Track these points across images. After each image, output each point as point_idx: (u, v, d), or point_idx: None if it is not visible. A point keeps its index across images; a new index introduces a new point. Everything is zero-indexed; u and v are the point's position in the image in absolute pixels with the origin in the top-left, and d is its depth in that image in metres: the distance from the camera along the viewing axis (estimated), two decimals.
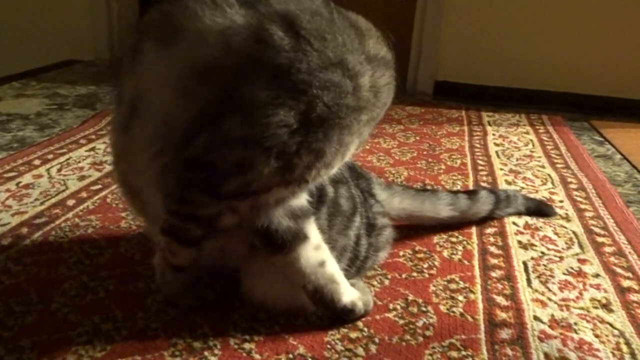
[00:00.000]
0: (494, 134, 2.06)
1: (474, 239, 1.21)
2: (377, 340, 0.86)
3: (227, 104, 0.69)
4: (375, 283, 1.02)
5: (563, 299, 0.99)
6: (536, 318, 0.93)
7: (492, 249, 1.17)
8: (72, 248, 1.10)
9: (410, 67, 2.68)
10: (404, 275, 1.06)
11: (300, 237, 0.83)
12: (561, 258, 1.14)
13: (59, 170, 1.51)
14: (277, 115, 0.68)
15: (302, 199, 0.83)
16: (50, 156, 1.61)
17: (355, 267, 0.96)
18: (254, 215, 0.78)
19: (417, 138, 1.97)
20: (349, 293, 0.89)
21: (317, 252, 0.85)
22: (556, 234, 1.25)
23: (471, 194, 1.25)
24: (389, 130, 2.04)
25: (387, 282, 1.03)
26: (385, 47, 0.82)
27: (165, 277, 0.90)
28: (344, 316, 0.89)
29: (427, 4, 2.60)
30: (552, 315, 0.94)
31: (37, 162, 1.56)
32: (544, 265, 1.11)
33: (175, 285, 0.90)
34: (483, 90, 2.64)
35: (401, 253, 1.13)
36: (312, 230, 0.85)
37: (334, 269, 0.88)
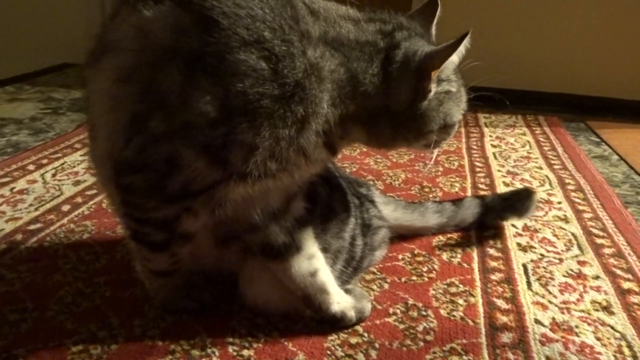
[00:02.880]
0: (490, 136, 2.06)
1: (473, 241, 1.20)
2: (377, 345, 0.85)
3: (151, 101, 0.68)
4: (374, 287, 1.01)
5: (564, 302, 0.99)
6: (537, 321, 0.93)
7: (492, 251, 1.16)
8: (68, 254, 1.08)
9: None
10: (403, 279, 1.05)
11: (293, 249, 0.83)
12: (561, 260, 1.14)
13: (54, 175, 1.49)
14: (192, 104, 0.65)
15: (298, 207, 0.83)
16: (44, 161, 1.59)
17: (351, 267, 0.96)
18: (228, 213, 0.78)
19: None
20: (339, 302, 0.88)
21: (309, 262, 0.85)
22: (555, 235, 1.25)
23: (456, 200, 1.26)
24: None
25: (386, 286, 1.02)
26: (353, 35, 0.73)
27: (153, 284, 0.89)
28: (333, 323, 0.88)
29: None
30: (553, 318, 0.94)
31: (31, 167, 1.54)
32: (544, 267, 1.10)
33: (165, 290, 0.89)
34: (479, 91, 2.63)
35: (400, 257, 1.13)
36: (307, 240, 0.85)
37: (325, 278, 0.87)
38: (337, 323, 0.88)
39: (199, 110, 0.65)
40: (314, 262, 0.86)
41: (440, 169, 1.67)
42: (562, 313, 0.95)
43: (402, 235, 1.18)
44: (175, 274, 0.87)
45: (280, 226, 0.82)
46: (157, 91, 0.67)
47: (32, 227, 1.19)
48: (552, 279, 1.06)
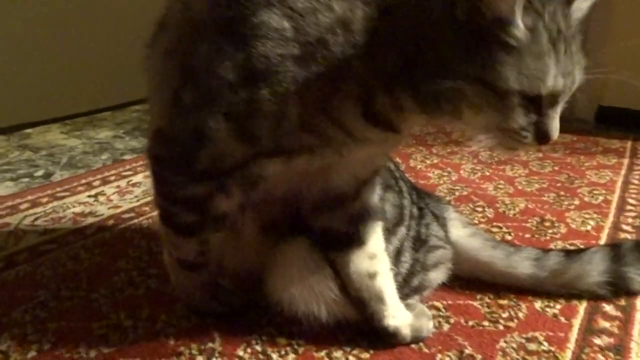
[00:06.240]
0: None
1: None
2: None
3: (185, 73, 0.67)
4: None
5: None
6: None
7: (608, 308, 0.89)
8: (140, 244, 1.12)
9: None
10: (470, 323, 0.85)
11: (354, 241, 0.77)
12: None
13: None
14: (213, 69, 0.62)
15: (371, 196, 0.77)
16: None
17: (396, 283, 0.82)
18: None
19: (555, 168, 1.66)
20: (395, 316, 0.80)
21: (370, 262, 0.78)
22: None
23: (574, 251, 0.95)
24: (522, 156, 1.77)
25: (446, 327, 0.84)
26: None
27: (178, 277, 0.86)
28: (383, 337, 0.80)
29: (590, 17, 2.24)
30: None
31: None
32: None
33: (190, 286, 0.85)
34: None
35: (478, 296, 0.92)
36: (373, 237, 0.78)
37: (384, 284, 0.79)
38: (387, 338, 0.80)
39: (219, 75, 0.63)
40: (376, 263, 0.78)
41: (576, 202, 1.38)
42: None
43: None
44: (201, 270, 0.83)
45: (346, 212, 0.75)
46: (190, 63, 0.67)
47: (125, 215, 1.27)
48: None
